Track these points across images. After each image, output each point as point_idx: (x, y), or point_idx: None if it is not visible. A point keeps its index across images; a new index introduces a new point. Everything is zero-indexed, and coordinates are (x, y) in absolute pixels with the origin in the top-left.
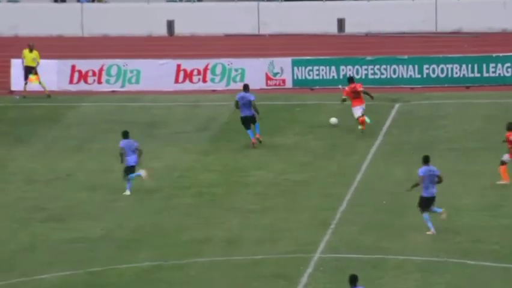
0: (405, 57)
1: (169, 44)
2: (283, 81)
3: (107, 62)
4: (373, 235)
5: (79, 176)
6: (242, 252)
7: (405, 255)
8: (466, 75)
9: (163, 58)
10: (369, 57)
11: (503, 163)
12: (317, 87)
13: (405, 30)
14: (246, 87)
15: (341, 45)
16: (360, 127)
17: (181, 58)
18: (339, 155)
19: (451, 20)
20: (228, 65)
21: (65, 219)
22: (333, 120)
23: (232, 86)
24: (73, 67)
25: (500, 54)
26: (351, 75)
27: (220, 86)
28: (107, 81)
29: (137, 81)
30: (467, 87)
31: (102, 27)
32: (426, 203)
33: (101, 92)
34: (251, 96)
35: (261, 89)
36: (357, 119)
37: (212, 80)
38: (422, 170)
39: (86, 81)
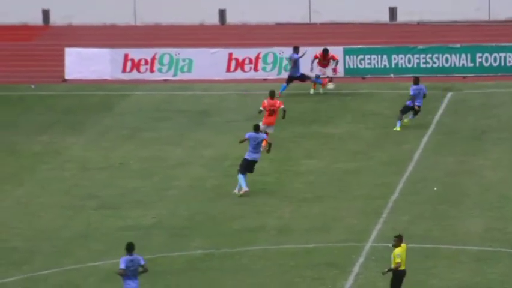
0: (458, 46)
1: (220, 33)
2: (335, 69)
3: (160, 50)
4: (425, 224)
5: (131, 164)
6: (294, 240)
7: (457, 244)
8: None
9: (215, 47)
10: (421, 46)
11: None
12: (369, 76)
13: (457, 18)
14: (256, 127)
15: (393, 34)
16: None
17: (233, 47)
18: (391, 144)
19: (504, 8)
20: (280, 54)
21: (117, 207)
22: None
23: (284, 74)
24: (126, 56)
25: None
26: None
27: (272, 75)
28: (160, 70)
29: (189, 70)
30: None
31: (154, 16)
32: (247, 166)
33: (154, 81)
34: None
35: None
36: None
37: (263, 69)
38: (248, 134)
39: (138, 70)
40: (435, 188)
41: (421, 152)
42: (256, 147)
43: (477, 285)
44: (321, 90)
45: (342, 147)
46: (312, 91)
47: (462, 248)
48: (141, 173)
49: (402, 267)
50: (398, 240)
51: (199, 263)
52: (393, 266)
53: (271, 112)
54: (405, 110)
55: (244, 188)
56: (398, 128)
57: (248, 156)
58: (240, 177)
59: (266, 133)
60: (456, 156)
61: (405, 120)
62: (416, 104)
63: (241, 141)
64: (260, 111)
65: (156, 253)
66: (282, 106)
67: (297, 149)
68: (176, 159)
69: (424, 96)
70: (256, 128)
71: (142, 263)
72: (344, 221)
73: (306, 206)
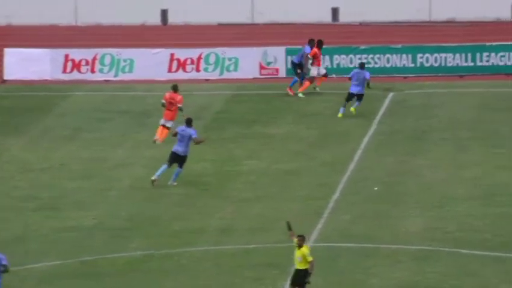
0: (399, 46)
1: (162, 33)
2: (277, 70)
3: (101, 51)
4: (365, 224)
5: (72, 165)
6: (234, 241)
7: (397, 244)
8: (460, 65)
9: (157, 47)
10: (362, 47)
11: None
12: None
13: (399, 19)
14: (188, 122)
15: (335, 34)
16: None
17: (175, 47)
18: (332, 144)
19: (445, 9)
20: (222, 54)
21: (57, 208)
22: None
23: (226, 75)
24: (66, 56)
25: (494, 43)
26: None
27: (214, 76)
28: (101, 71)
29: (130, 71)
30: (461, 77)
31: (95, 16)
32: (170, 157)
33: (95, 81)
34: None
35: (254, 78)
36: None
37: (205, 70)
38: (178, 127)
39: (79, 71)
40: (376, 188)
41: (362, 152)
42: (181, 140)
43: (416, 285)
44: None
45: (283, 148)
46: (317, 89)
47: (402, 248)
48: (82, 173)
49: (303, 267)
50: (302, 240)
51: (139, 264)
52: (309, 267)
53: (171, 106)
54: (349, 97)
55: (154, 177)
56: (340, 115)
57: (174, 148)
58: (162, 166)
59: (165, 127)
60: (397, 156)
61: (352, 109)
62: (354, 91)
63: (173, 135)
64: (163, 104)
65: (96, 254)
66: (180, 105)
67: (238, 149)
68: (117, 160)
69: (368, 83)
70: (188, 122)
71: (3, 262)
72: (284, 221)
73: (247, 207)
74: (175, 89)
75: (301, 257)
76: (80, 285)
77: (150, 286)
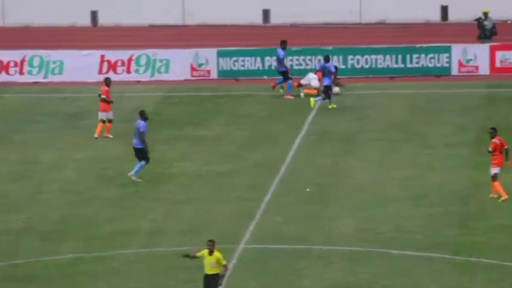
0: (330, 48)
1: (92, 35)
2: (209, 72)
3: (30, 52)
4: (298, 225)
5: (0, 167)
6: (166, 243)
7: (329, 245)
8: (390, 66)
9: (87, 49)
10: (294, 48)
11: (495, 178)
12: (242, 77)
13: (330, 21)
14: (140, 114)
15: (266, 36)
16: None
17: (105, 49)
18: (264, 146)
19: (375, 11)
20: (153, 55)
21: None
22: (336, 89)
23: (157, 77)
24: None
25: (423, 45)
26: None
27: (145, 77)
28: (29, 72)
29: (60, 72)
30: (391, 78)
31: (24, 17)
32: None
33: (23, 83)
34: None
35: (185, 80)
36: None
37: (136, 71)
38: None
39: (7, 73)
40: (308, 189)
41: (294, 153)
42: (135, 133)
43: (348, 285)
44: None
45: (215, 150)
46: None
47: (334, 249)
48: (11, 176)
49: (215, 272)
50: (213, 245)
51: (70, 267)
52: (222, 270)
53: (104, 99)
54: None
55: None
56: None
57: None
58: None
59: (103, 121)
60: (329, 157)
61: (331, 106)
62: (324, 83)
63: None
64: (99, 95)
65: (27, 258)
66: (104, 96)
67: (170, 151)
68: (48, 163)
69: (334, 76)
70: (140, 115)
71: None
72: (216, 223)
73: (179, 209)
74: (107, 82)
75: (215, 262)
76: None
77: None
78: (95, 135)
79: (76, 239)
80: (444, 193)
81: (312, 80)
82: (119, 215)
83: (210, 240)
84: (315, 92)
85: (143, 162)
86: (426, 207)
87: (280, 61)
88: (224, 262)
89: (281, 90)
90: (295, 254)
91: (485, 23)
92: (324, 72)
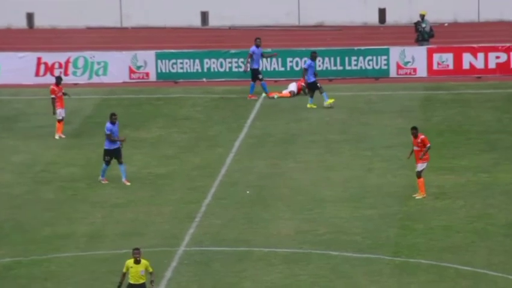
0: (269, 50)
1: (29, 37)
2: (147, 74)
3: None
4: (237, 228)
5: None
6: (106, 246)
7: (269, 247)
8: (329, 68)
9: (23, 51)
10: (233, 51)
11: (420, 175)
12: (181, 80)
13: (268, 23)
14: (109, 116)
15: (205, 38)
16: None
17: (42, 51)
18: (203, 148)
19: (313, 13)
20: (91, 58)
21: None
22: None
23: (95, 79)
24: None
25: (362, 48)
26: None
27: (83, 80)
28: None
29: None
30: (330, 80)
31: None
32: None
33: None
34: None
35: (124, 83)
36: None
37: (74, 73)
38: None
39: None
40: (247, 192)
41: (233, 155)
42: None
43: (288, 287)
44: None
45: (154, 152)
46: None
47: (274, 250)
48: None
49: (144, 281)
50: (139, 253)
51: (8, 271)
52: (152, 277)
53: (61, 97)
54: (313, 87)
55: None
56: (311, 105)
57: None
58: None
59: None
60: (268, 159)
61: (329, 101)
62: (308, 80)
63: (111, 138)
64: (53, 99)
65: None
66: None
67: None
68: None
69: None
70: (109, 117)
71: None
72: (156, 225)
73: (118, 212)
74: (58, 81)
75: (144, 270)
76: None
77: None
78: (58, 136)
79: (13, 243)
80: (383, 194)
81: (291, 86)
82: (56, 219)
83: (135, 249)
84: (288, 95)
85: (122, 165)
86: (365, 208)
87: (253, 58)
88: (151, 269)
89: (275, 96)
90: (235, 256)
91: (422, 25)
92: (309, 70)
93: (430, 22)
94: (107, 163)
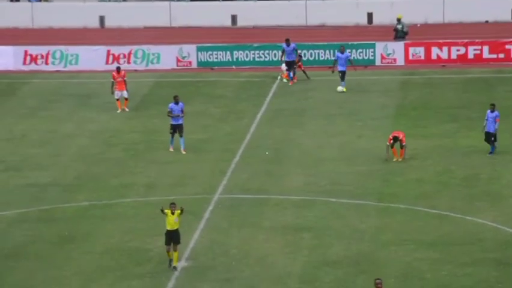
0: (283, 44)
1: (100, 35)
2: (190, 62)
3: (53, 48)
4: (259, 180)
5: (31, 135)
6: (158, 194)
7: (283, 195)
8: (329, 58)
9: (96, 45)
10: (256, 44)
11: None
12: (216, 67)
13: (283, 23)
14: (175, 98)
15: (234, 35)
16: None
17: (110, 45)
18: (233, 119)
19: (318, 16)
20: (147, 50)
21: (20, 169)
22: (339, 88)
23: (150, 66)
24: (26, 52)
25: (354, 42)
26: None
27: (141, 67)
28: (53, 63)
29: (76, 63)
30: (329, 68)
31: (48, 20)
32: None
33: (48, 71)
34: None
35: (172, 69)
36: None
37: (135, 62)
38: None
39: (36, 63)
40: (266, 153)
41: (256, 125)
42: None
43: (298, 225)
44: (284, 80)
45: (196, 122)
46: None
47: (287, 198)
48: (39, 142)
49: (177, 227)
50: (174, 207)
51: (85, 212)
52: (178, 226)
53: (122, 82)
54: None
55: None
56: (344, 89)
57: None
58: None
59: (126, 99)
60: (282, 128)
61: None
62: (339, 69)
63: (168, 114)
64: (112, 83)
65: (51, 204)
66: (125, 78)
67: (161, 124)
68: (67, 132)
69: (350, 61)
70: (175, 98)
71: None
72: (197, 178)
73: (168, 168)
74: (118, 69)
75: (178, 218)
76: (40, 228)
77: (93, 228)
78: (119, 110)
79: (89, 190)
80: (371, 155)
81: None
82: (121, 173)
83: (172, 203)
84: (286, 76)
85: (182, 138)
86: (356, 166)
87: (285, 53)
88: (180, 218)
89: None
90: (257, 202)
91: (398, 26)
92: (339, 60)
93: (406, 23)
94: (172, 135)
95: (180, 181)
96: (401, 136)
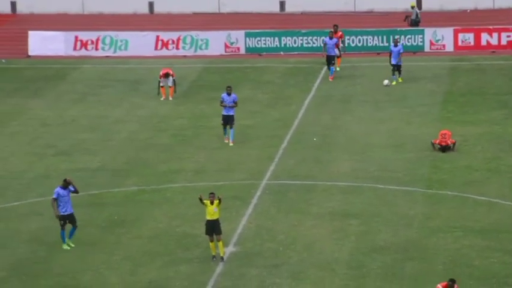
0: (332, 29)
1: (150, 20)
2: (238, 48)
3: (103, 33)
4: (307, 166)
5: (81, 120)
6: (206, 179)
7: (330, 181)
8: (377, 44)
9: (146, 31)
10: (303, 31)
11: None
12: (264, 53)
13: (331, 10)
14: (228, 89)
15: (282, 21)
16: None
17: (159, 31)
18: (281, 105)
19: (366, 2)
20: (196, 36)
21: (70, 154)
22: (386, 81)
23: (199, 52)
24: (76, 37)
25: (403, 29)
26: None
27: (189, 52)
28: (103, 48)
29: (125, 48)
30: (378, 54)
31: (98, 6)
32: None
33: (98, 57)
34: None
35: (220, 55)
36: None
37: (183, 48)
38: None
39: (86, 48)
40: (314, 139)
41: (304, 111)
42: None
43: (345, 212)
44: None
45: (243, 108)
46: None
47: (334, 184)
48: (89, 127)
49: (217, 217)
50: (213, 197)
51: (134, 197)
52: (218, 216)
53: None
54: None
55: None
56: (394, 82)
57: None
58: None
59: (170, 87)
60: (330, 114)
61: (400, 79)
62: (394, 62)
63: (220, 104)
64: (159, 82)
65: (101, 189)
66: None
67: (208, 109)
68: (116, 117)
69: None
70: (227, 89)
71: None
72: (245, 164)
73: (216, 153)
74: (166, 74)
75: (217, 207)
76: (89, 212)
77: (142, 213)
78: (162, 98)
79: (138, 175)
80: (419, 141)
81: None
82: (170, 158)
83: (211, 193)
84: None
85: (232, 129)
86: (405, 152)
87: (326, 47)
88: (219, 207)
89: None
90: (305, 188)
91: (413, 12)
92: (392, 53)
93: (419, 11)
94: (224, 126)
95: (228, 167)
96: (448, 141)
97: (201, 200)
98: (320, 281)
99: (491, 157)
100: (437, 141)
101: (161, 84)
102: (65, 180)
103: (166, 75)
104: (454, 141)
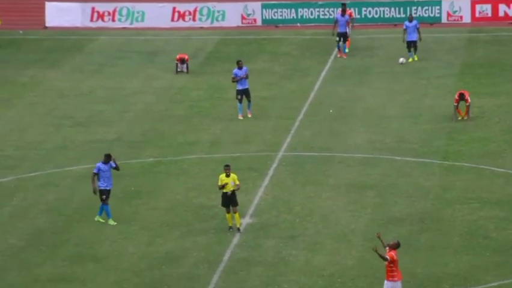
0: (348, 1)
1: None
2: (255, 20)
3: (119, 5)
4: (323, 138)
5: (98, 92)
6: (223, 151)
7: (347, 153)
8: (394, 16)
9: (162, 2)
10: (320, 2)
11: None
12: (281, 25)
13: None
14: (238, 63)
15: None
16: None
17: (176, 2)
18: (297, 77)
19: None
20: (212, 7)
21: (87, 125)
22: (401, 59)
23: (216, 24)
24: (93, 9)
25: (420, 0)
26: None
27: (206, 24)
28: (119, 20)
29: (142, 20)
30: (395, 25)
31: None
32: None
33: (115, 28)
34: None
35: (237, 26)
36: None
37: (200, 19)
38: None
39: (103, 20)
40: (331, 110)
41: (320, 83)
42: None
43: (362, 183)
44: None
45: (260, 80)
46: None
47: (351, 156)
48: (105, 99)
49: (233, 189)
50: (229, 169)
51: (151, 168)
52: (237, 188)
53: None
54: (409, 44)
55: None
56: (410, 59)
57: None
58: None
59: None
60: (346, 86)
61: (410, 59)
62: (411, 39)
63: (233, 80)
64: (177, 65)
65: (118, 160)
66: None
67: (225, 81)
68: (132, 89)
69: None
70: (238, 63)
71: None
72: (261, 135)
73: (232, 125)
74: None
75: (233, 181)
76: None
77: (159, 184)
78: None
79: (154, 147)
80: (435, 113)
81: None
82: (186, 129)
83: (226, 165)
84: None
85: (250, 103)
86: (421, 124)
87: (338, 24)
88: (238, 182)
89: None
90: (321, 159)
91: None
92: (407, 29)
93: None
94: (239, 101)
95: (244, 138)
96: (466, 95)
97: (222, 188)
98: (336, 252)
99: (508, 129)
100: (456, 101)
101: (178, 70)
102: (107, 156)
103: (182, 61)
104: (469, 100)
